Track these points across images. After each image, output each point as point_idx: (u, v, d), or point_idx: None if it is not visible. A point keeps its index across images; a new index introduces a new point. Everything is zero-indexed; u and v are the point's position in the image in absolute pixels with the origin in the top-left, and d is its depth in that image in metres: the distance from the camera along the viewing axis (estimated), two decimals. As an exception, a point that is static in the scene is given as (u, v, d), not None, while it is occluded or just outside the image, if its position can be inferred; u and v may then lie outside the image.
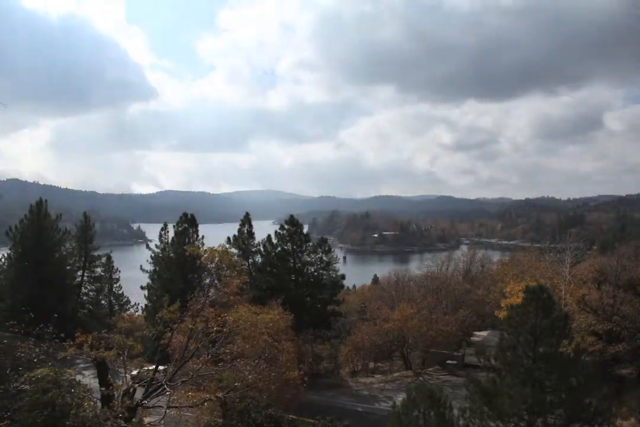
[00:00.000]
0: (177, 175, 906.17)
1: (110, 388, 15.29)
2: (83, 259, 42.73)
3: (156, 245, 39.83)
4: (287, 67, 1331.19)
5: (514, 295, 31.73)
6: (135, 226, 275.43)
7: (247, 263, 39.29)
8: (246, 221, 40.97)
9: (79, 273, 42.86)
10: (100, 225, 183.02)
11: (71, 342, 15.69)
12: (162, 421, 15.09)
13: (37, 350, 13.84)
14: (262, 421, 17.90)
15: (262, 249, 38.81)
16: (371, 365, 40.14)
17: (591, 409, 12.99)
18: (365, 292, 63.55)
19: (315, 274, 37.60)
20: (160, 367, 18.35)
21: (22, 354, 13.36)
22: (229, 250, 38.68)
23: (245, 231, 40.53)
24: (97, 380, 16.96)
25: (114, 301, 45.75)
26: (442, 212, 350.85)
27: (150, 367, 18.63)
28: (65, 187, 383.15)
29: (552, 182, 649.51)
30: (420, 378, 34.28)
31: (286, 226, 37.47)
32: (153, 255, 39.63)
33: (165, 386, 15.79)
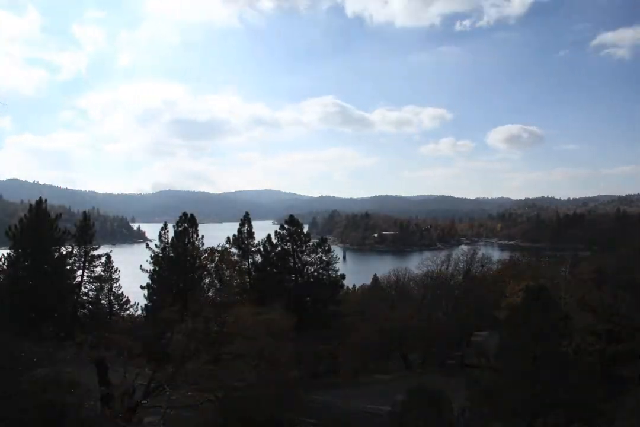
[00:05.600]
0: (178, 175, 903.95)
1: (110, 388, 15.28)
2: (82, 258, 42.64)
3: (156, 245, 39.76)
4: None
5: (514, 295, 31.77)
6: (135, 226, 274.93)
7: (247, 263, 39.28)
8: (246, 220, 40.92)
9: (79, 273, 42.73)
10: (100, 225, 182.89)
11: (71, 342, 15.68)
12: (162, 421, 15.09)
13: (37, 350, 13.83)
14: (262, 421, 17.89)
15: (262, 249, 38.78)
16: (371, 365, 40.10)
17: (591, 409, 13.00)
18: (365, 292, 63.45)
19: (315, 273, 37.59)
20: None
21: (22, 354, 13.35)
22: (229, 250, 39.23)
23: (245, 231, 40.47)
24: (96, 380, 16.94)
25: (113, 301, 45.66)
26: (442, 212, 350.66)
27: (150, 367, 18.61)
28: (65, 186, 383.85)
29: (552, 182, 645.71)
30: (420, 378, 34.25)
31: (286, 226, 37.47)
32: (153, 255, 39.57)
33: (165, 386, 15.78)
